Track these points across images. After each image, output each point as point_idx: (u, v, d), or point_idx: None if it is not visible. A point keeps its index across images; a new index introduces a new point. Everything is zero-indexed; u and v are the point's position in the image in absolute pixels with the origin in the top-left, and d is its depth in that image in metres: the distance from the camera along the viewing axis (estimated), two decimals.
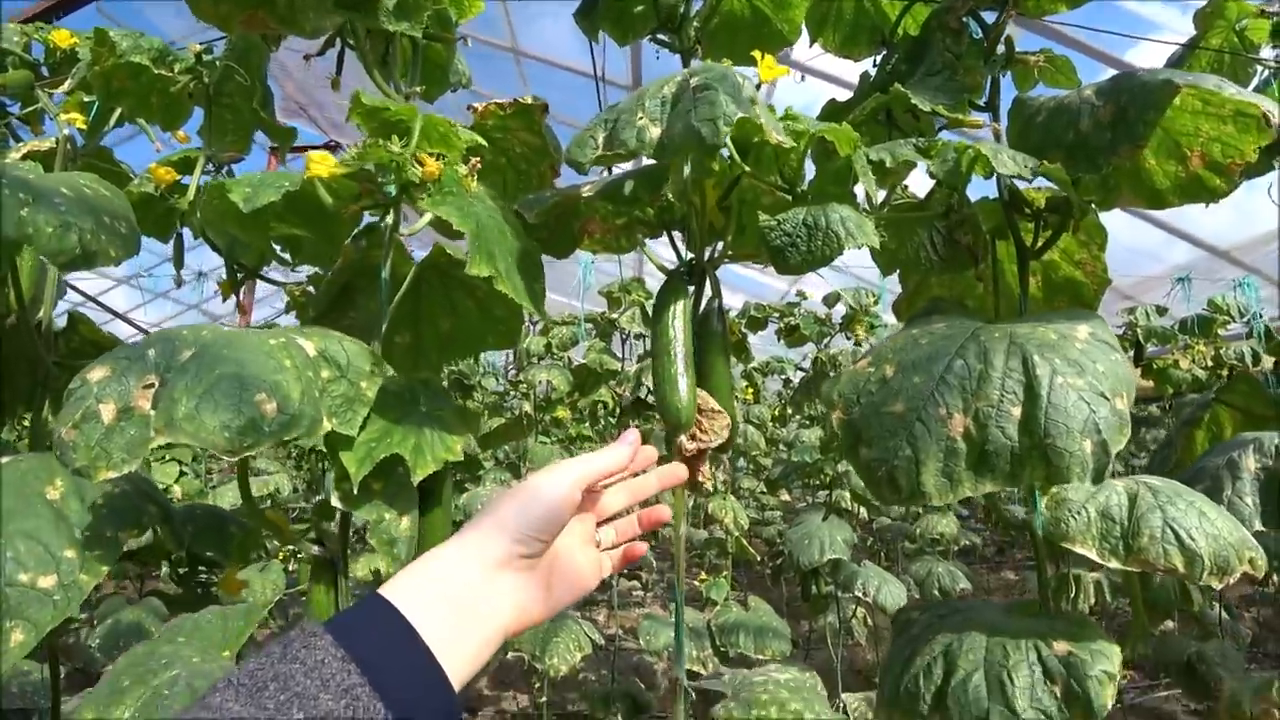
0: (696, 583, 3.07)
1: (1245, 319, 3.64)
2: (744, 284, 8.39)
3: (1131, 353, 3.77)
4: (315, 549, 1.06)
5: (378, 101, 0.99)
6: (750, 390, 3.95)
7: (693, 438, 0.88)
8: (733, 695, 0.94)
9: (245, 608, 1.12)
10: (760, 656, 2.52)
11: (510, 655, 3.16)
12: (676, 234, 1.10)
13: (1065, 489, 0.80)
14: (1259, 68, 1.50)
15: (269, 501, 3.94)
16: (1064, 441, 0.65)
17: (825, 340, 3.27)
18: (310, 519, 1.11)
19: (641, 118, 0.82)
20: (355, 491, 0.90)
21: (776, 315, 3.30)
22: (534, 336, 3.31)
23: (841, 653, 3.04)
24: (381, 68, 1.28)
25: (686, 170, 1.03)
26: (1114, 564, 0.74)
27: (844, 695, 2.60)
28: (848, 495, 2.89)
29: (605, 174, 1.18)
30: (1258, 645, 4.62)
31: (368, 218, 1.19)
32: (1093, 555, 0.76)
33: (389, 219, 1.09)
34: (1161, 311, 3.79)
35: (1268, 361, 3.47)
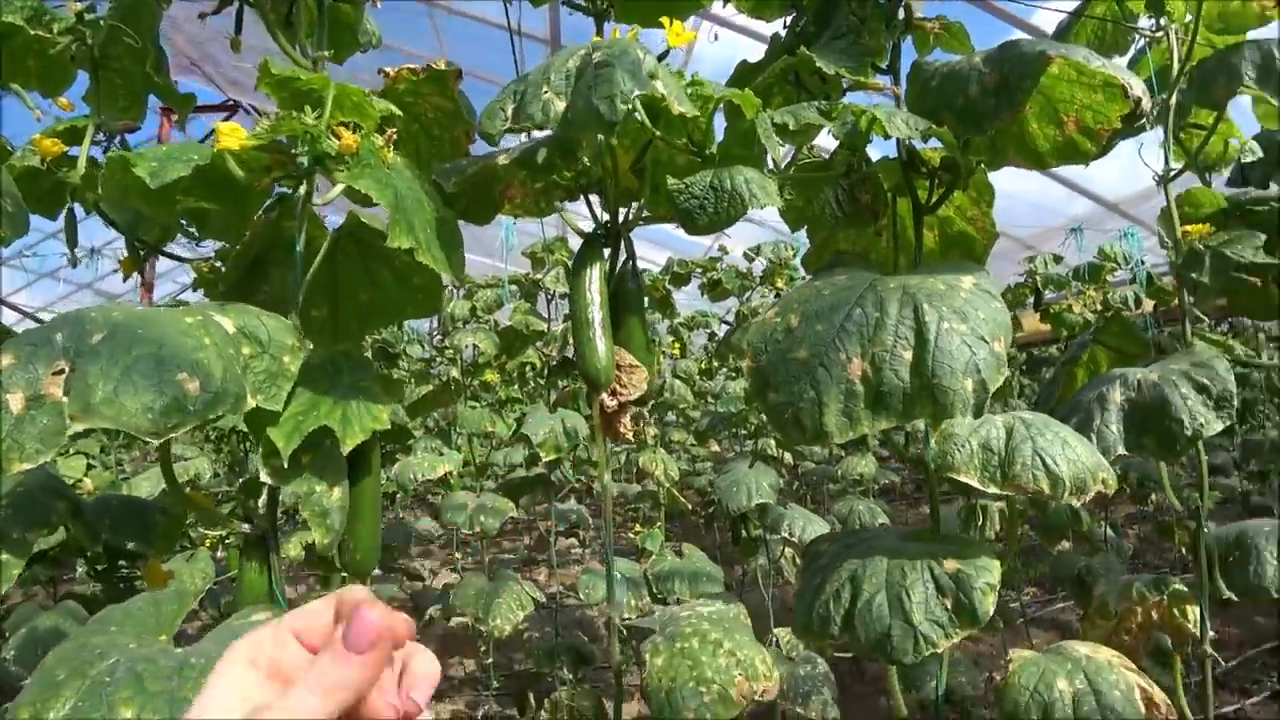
0: (631, 535, 3.17)
1: (1130, 266, 3.93)
2: (669, 240, 8.44)
3: (1032, 298, 4.04)
4: (244, 527, 1.06)
5: (288, 70, 0.97)
6: (677, 345, 4.03)
7: (613, 394, 0.93)
8: (660, 630, 1.01)
9: (176, 591, 1.12)
10: (717, 600, 2.64)
11: (454, 622, 3.20)
12: (595, 197, 1.13)
13: (951, 425, 0.88)
14: (1137, 35, 1.61)
15: (190, 487, 3.80)
16: (949, 381, 0.72)
17: (747, 294, 3.37)
18: (236, 498, 1.11)
19: (547, 91, 0.84)
20: (285, 466, 0.90)
21: (699, 271, 3.37)
22: (458, 300, 3.28)
23: (773, 591, 3.20)
24: (285, 29, 1.24)
25: (600, 137, 1.05)
26: (992, 489, 0.84)
27: (776, 630, 2.76)
28: (773, 443, 3.02)
29: (526, 138, 1.18)
30: (1138, 557, 5.12)
31: (279, 188, 1.16)
32: (975, 483, 0.85)
33: (302, 190, 1.07)
34: (1058, 260, 4.06)
35: (1148, 305, 3.78)
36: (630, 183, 1.09)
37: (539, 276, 3.21)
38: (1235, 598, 1.52)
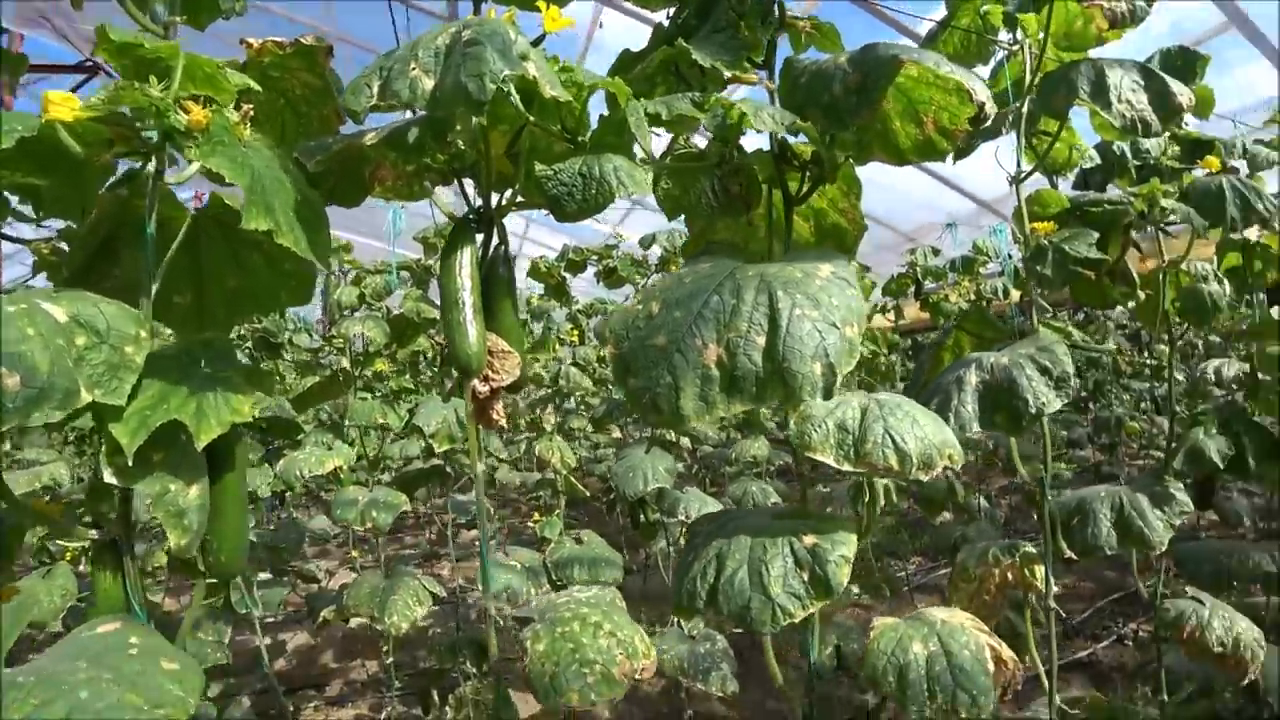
0: (531, 523, 3.15)
1: (999, 259, 4.24)
2: (565, 227, 8.41)
3: (913, 288, 4.28)
4: (93, 534, 0.99)
5: (129, 36, 0.90)
6: (575, 332, 4.03)
7: (485, 380, 0.92)
8: (540, 617, 1.02)
9: (13, 606, 1.03)
10: (595, 586, 2.66)
11: (355, 623, 3.08)
12: (469, 182, 1.11)
13: (809, 406, 0.93)
14: (998, 48, 1.73)
15: (48, 495, 3.47)
16: (798, 365, 0.76)
17: (643, 281, 3.40)
18: (86, 502, 1.03)
19: (415, 68, 0.82)
20: (130, 464, 0.85)
21: (595, 258, 3.37)
22: (345, 287, 3.14)
23: (674, 573, 3.26)
24: None
25: (475, 119, 1.04)
26: (846, 467, 0.89)
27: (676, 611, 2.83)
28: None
29: (412, 113, 1.15)
30: (1010, 524, 5.56)
31: (127, 163, 1.08)
32: (830, 461, 0.90)
33: (151, 166, 1.00)
34: (936, 253, 4.32)
35: (1015, 295, 4.08)
36: (505, 168, 1.08)
37: (430, 262, 3.12)
38: (1075, 556, 1.69)
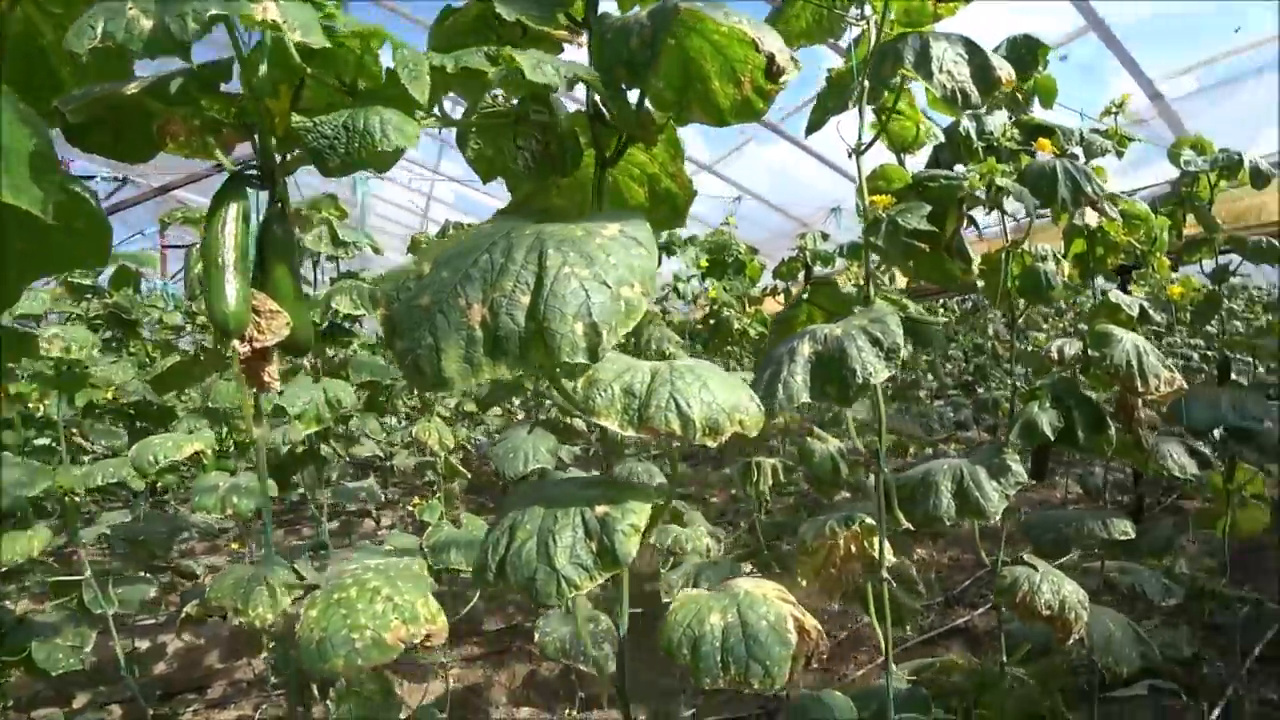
0: (411, 507, 3.07)
1: None
2: (467, 205, 8.29)
3: (803, 272, 4.37)
4: None
5: None
6: None
7: (248, 340, 0.86)
8: (324, 584, 0.98)
9: None
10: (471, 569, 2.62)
11: (240, 621, 2.92)
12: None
13: (598, 371, 0.90)
14: (849, 25, 1.75)
15: None
16: (557, 324, 0.73)
17: None
18: None
19: (132, 8, 0.75)
20: None
21: None
22: None
23: None
24: None
25: (263, 68, 0.96)
26: (630, 432, 0.87)
27: None
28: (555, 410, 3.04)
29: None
30: None
31: None
32: (615, 426, 0.88)
33: None
34: (825, 237, 4.42)
35: (901, 280, 4.22)
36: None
37: (302, 236, 2.97)
38: (914, 527, 1.75)
